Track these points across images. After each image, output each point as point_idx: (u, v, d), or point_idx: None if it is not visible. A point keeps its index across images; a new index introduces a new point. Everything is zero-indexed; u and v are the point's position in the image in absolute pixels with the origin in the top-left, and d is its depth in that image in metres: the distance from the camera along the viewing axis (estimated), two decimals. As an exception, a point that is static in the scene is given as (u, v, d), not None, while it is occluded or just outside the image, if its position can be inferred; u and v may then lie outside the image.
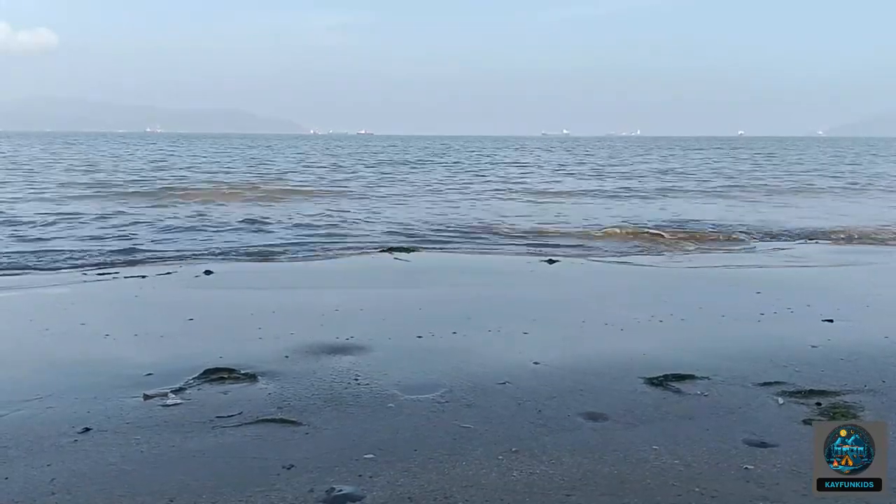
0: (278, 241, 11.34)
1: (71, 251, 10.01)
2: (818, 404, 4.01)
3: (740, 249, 10.98)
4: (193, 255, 9.80)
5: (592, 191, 22.83)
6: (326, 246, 10.91)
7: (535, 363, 4.70)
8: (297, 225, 13.43)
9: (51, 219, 13.77)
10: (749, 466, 3.25)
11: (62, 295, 7.10)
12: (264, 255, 9.88)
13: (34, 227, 12.79)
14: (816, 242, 11.74)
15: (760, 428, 3.68)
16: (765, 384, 4.33)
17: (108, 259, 9.38)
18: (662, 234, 12.45)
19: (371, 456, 3.33)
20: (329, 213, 15.50)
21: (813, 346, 5.09)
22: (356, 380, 4.38)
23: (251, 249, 10.40)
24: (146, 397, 4.05)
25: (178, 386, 4.22)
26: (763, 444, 3.48)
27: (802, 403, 4.03)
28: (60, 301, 6.81)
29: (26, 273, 8.41)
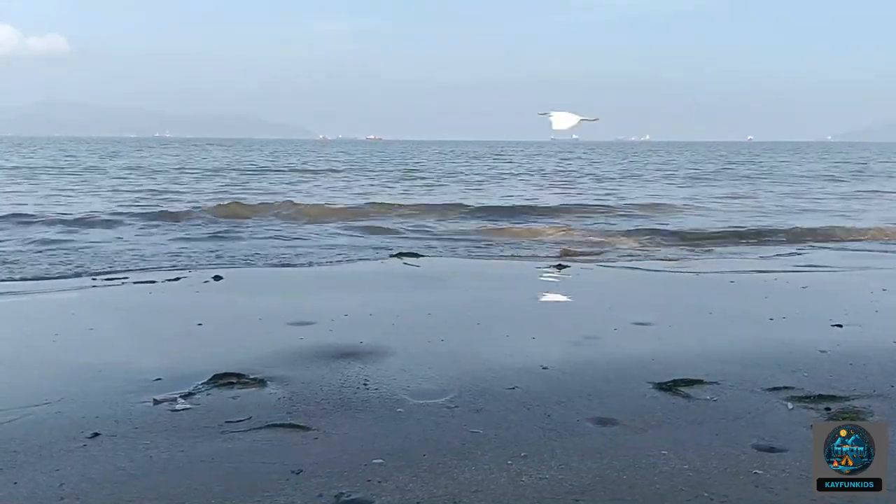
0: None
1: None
2: (827, 409, 3.99)
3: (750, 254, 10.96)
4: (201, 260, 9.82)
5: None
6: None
7: (544, 368, 4.70)
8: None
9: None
10: (758, 471, 3.24)
11: (71, 300, 7.13)
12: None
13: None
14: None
15: (770, 433, 3.67)
16: (774, 389, 4.32)
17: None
18: None
19: (380, 461, 3.33)
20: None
21: (822, 351, 5.07)
22: (365, 385, 4.38)
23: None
24: (155, 402, 4.06)
25: (187, 391, 4.23)
26: (772, 449, 3.47)
27: (811, 408, 4.01)
28: (69, 306, 6.84)
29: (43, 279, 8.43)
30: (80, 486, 3.08)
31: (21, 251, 10.41)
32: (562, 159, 47.58)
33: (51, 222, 14.10)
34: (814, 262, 9.99)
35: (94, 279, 8.24)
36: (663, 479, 3.17)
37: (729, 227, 14.34)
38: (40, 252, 10.32)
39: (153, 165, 40.01)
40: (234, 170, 37.43)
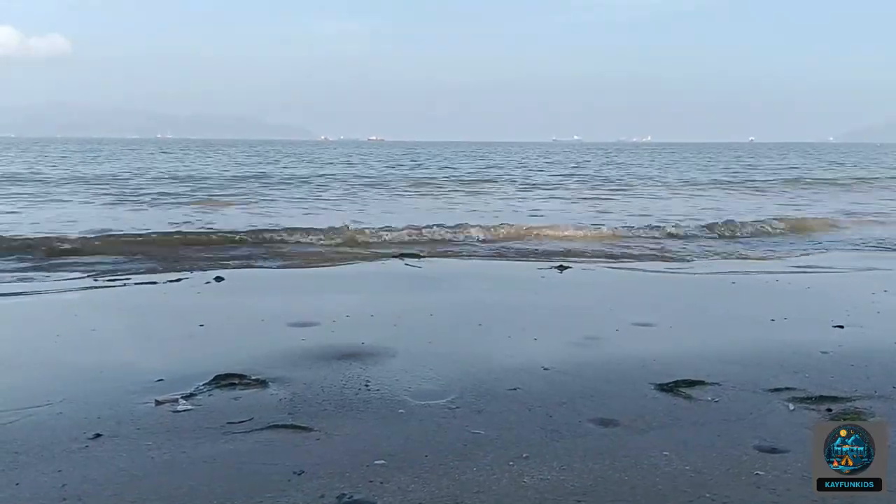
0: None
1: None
2: (829, 410, 3.99)
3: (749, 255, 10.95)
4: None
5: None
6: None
7: (545, 369, 4.70)
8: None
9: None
10: (760, 472, 3.23)
11: (72, 301, 7.13)
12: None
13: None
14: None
15: (771, 434, 3.67)
16: (775, 390, 4.31)
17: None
18: None
19: (382, 462, 3.33)
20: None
21: (823, 352, 5.07)
22: (367, 386, 4.38)
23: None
24: (157, 403, 4.06)
25: (188, 392, 4.23)
26: (774, 450, 3.47)
27: (813, 409, 4.01)
28: (71, 307, 6.84)
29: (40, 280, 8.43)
30: (82, 487, 3.08)
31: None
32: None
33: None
34: (815, 263, 10.00)
35: (95, 279, 8.25)
36: (665, 479, 3.17)
37: None
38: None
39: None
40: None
